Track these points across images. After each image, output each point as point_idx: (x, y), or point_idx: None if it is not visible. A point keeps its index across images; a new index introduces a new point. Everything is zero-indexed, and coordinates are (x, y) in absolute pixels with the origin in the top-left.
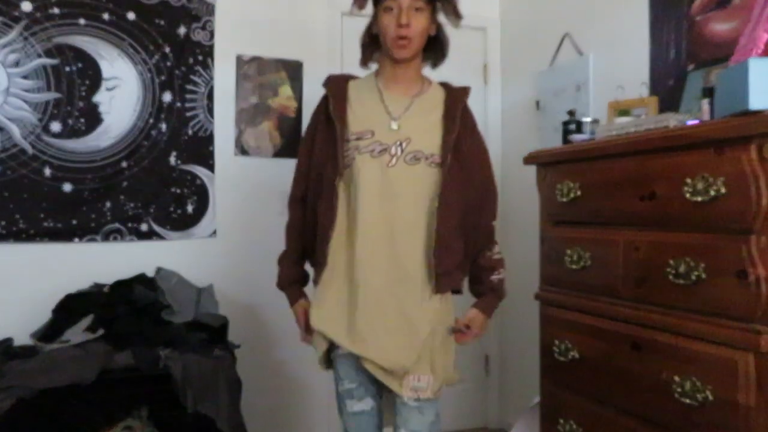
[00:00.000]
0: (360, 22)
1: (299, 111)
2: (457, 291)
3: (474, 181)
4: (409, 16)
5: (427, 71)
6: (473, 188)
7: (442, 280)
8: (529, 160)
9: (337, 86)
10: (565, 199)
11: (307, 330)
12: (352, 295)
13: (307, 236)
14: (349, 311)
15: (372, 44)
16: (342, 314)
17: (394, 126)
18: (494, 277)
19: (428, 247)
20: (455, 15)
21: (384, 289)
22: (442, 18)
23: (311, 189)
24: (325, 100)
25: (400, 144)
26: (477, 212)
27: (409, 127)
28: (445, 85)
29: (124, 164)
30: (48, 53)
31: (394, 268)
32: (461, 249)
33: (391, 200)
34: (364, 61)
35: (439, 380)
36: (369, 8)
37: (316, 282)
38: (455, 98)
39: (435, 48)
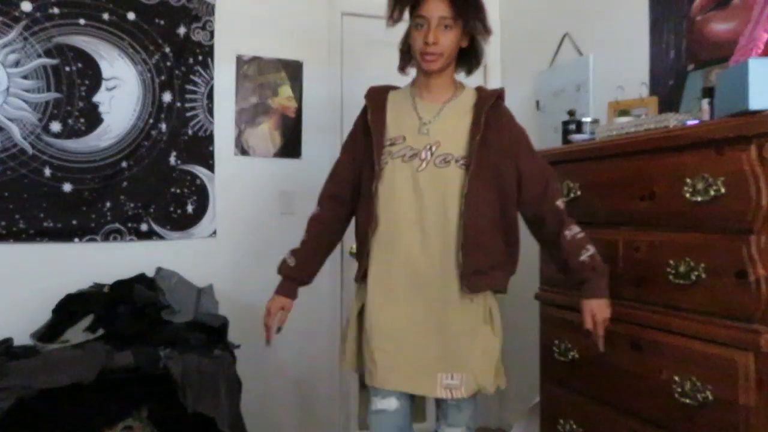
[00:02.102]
0: (360, 22)
1: (299, 111)
2: (499, 291)
3: (520, 172)
4: (437, 34)
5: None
6: (516, 181)
7: (472, 279)
8: None
9: (376, 97)
10: (565, 199)
11: (269, 332)
12: (396, 320)
13: (335, 235)
14: (399, 344)
15: (409, 52)
16: (391, 350)
17: (424, 131)
18: (583, 258)
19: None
20: (485, 31)
21: (431, 300)
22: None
23: (352, 191)
24: (364, 110)
25: (430, 148)
26: (535, 200)
27: (438, 132)
28: (478, 89)
29: (124, 164)
30: (48, 53)
31: (437, 275)
32: (498, 247)
33: (421, 203)
34: (402, 67)
35: (474, 381)
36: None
37: (357, 279)
38: (483, 101)
39: (469, 57)
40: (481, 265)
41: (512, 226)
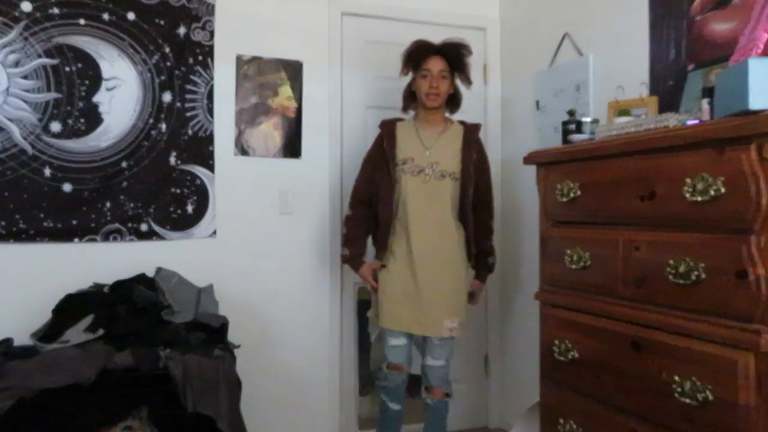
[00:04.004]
0: (360, 22)
1: (299, 111)
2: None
3: (479, 185)
4: (438, 82)
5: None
6: (478, 190)
7: (472, 257)
8: (529, 160)
9: (389, 127)
10: (565, 199)
11: (374, 286)
12: (414, 284)
13: (370, 226)
14: (414, 300)
15: (410, 97)
16: (408, 305)
17: (427, 153)
18: (490, 260)
19: (459, 234)
20: (468, 81)
21: (436, 270)
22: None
23: (373, 196)
24: (380, 137)
25: (432, 166)
26: (481, 210)
27: (437, 154)
28: (462, 123)
29: (124, 164)
30: (48, 53)
31: (440, 252)
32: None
33: (428, 205)
34: (405, 108)
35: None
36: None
37: (377, 257)
38: (471, 133)
39: (453, 101)
40: (483, 247)
41: (477, 224)
